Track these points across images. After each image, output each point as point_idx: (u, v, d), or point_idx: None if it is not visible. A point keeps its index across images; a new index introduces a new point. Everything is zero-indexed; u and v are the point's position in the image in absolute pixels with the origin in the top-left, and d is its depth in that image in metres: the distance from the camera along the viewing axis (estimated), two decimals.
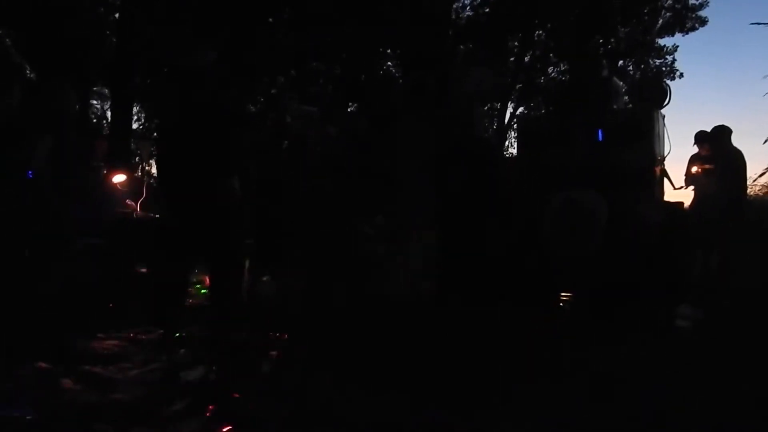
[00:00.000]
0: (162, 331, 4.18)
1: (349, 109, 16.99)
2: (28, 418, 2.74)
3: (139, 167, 12.26)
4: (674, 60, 17.84)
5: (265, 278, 6.00)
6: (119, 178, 6.59)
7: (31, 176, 4.39)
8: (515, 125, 16.90)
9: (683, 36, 17.93)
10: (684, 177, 7.10)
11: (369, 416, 2.90)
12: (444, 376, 3.51)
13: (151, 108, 14.09)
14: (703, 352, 4.21)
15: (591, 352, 4.01)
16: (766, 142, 6.66)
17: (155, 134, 14.35)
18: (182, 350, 3.95)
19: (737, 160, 6.86)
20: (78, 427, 2.68)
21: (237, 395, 3.21)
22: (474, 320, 4.58)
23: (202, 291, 5.70)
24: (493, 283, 4.63)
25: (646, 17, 17.30)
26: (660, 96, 6.13)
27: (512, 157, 11.46)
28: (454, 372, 3.61)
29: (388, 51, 16.33)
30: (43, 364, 3.44)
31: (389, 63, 16.81)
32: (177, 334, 4.11)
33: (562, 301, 5.85)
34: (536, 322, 4.76)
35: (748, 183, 7.25)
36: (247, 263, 5.67)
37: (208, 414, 2.94)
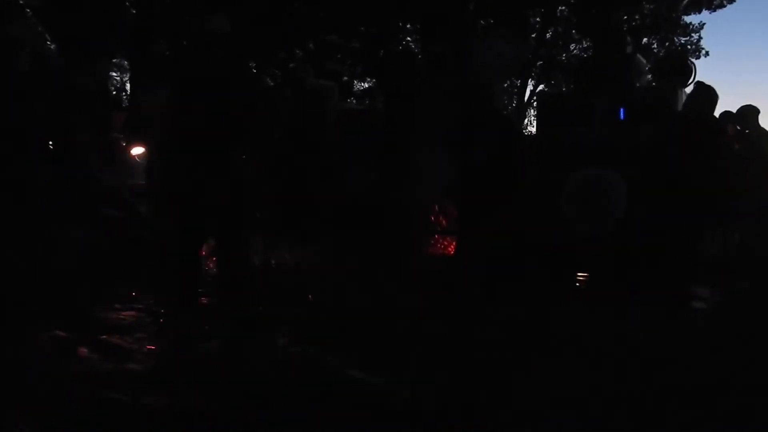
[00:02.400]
0: (177, 301, 4.21)
1: (367, 84, 16.89)
2: None
3: None
4: (700, 38, 17.52)
5: (282, 250, 6.00)
6: (137, 151, 6.60)
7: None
8: (535, 103, 16.67)
9: (710, 13, 17.56)
10: None
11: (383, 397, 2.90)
12: (460, 356, 3.50)
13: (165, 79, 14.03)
14: (718, 333, 4.17)
15: (605, 331, 3.98)
16: None
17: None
18: (196, 321, 3.96)
19: (764, 141, 6.72)
20: (92, 396, 2.70)
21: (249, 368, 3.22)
22: (491, 297, 4.56)
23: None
24: (511, 259, 4.60)
25: None
26: (684, 74, 6.01)
27: (532, 135, 11.35)
28: (471, 351, 3.60)
29: (407, 25, 16.10)
30: (60, 333, 3.47)
31: (408, 38, 16.60)
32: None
33: (579, 279, 5.81)
34: (552, 299, 4.73)
35: None
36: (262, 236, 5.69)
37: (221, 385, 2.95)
